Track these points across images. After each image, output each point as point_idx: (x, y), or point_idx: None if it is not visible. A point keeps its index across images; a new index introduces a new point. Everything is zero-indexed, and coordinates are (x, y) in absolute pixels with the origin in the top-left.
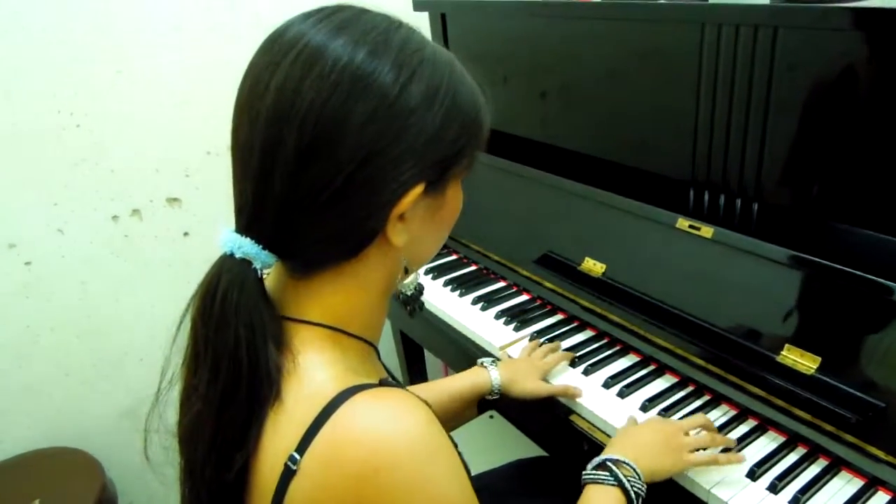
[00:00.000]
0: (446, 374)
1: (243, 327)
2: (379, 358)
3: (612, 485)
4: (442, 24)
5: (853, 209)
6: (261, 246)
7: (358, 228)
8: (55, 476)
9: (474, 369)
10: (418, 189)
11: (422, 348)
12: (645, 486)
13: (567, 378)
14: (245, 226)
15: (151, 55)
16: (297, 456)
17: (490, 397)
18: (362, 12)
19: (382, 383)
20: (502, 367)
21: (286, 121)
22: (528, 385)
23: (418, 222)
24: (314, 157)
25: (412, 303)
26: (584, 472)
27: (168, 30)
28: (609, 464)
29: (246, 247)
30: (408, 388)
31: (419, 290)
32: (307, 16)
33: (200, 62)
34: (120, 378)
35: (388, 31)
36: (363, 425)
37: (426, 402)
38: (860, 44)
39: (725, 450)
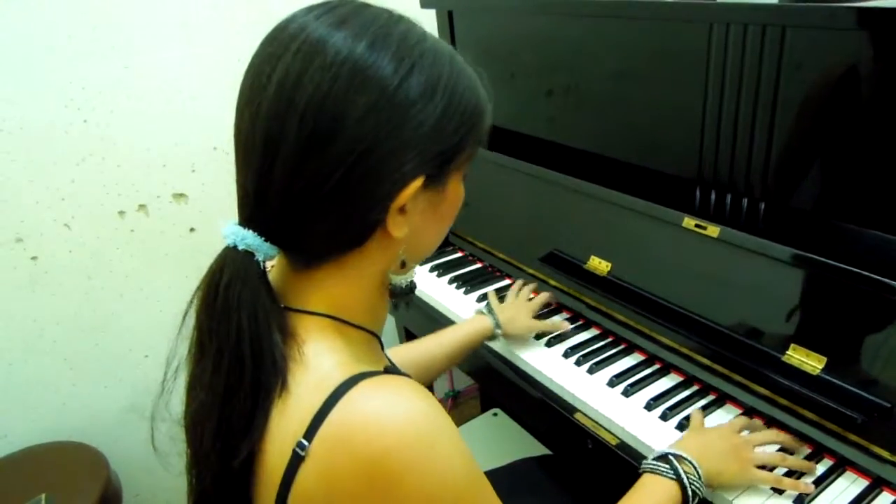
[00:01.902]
0: (450, 372)
1: (246, 318)
2: (382, 349)
3: (671, 478)
4: (449, 22)
5: (860, 209)
6: (263, 238)
7: (358, 220)
8: (60, 470)
9: (475, 317)
10: (418, 182)
11: None
12: (704, 487)
13: (572, 375)
14: (247, 218)
15: (158, 50)
16: (306, 442)
17: (490, 341)
18: (364, 6)
19: (387, 371)
20: (498, 311)
21: (287, 113)
22: (522, 323)
23: (419, 215)
24: (314, 150)
25: (400, 297)
26: (644, 462)
27: (175, 25)
28: (671, 457)
29: (248, 239)
30: (419, 338)
31: (411, 287)
32: (310, 9)
33: (207, 57)
34: (125, 373)
35: (389, 24)
36: (370, 409)
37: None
38: (868, 44)
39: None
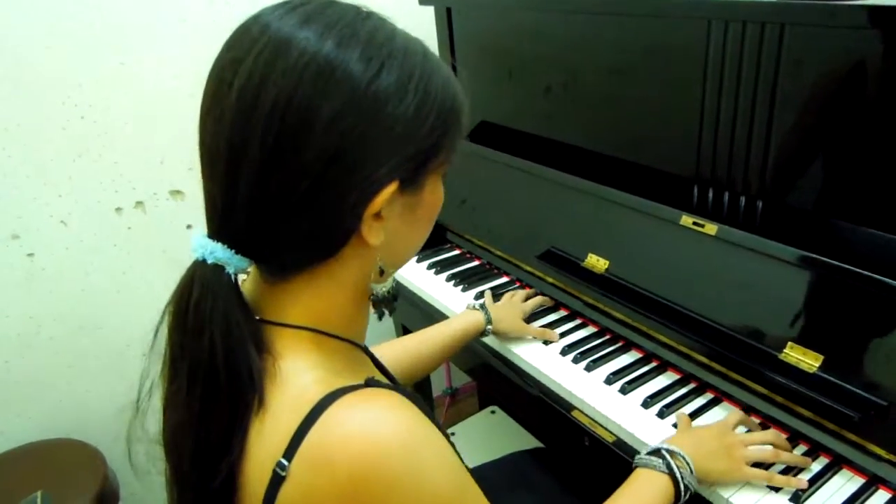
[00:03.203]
0: (448, 369)
1: (219, 334)
2: (370, 356)
3: (663, 472)
4: (447, 19)
5: (858, 207)
6: (233, 251)
7: (331, 229)
8: (57, 467)
9: (466, 312)
10: (392, 187)
11: None
12: (696, 483)
13: (569, 373)
14: (216, 230)
15: (156, 47)
16: (286, 462)
17: (482, 337)
18: (330, 3)
19: (368, 383)
20: (490, 309)
21: (250, 122)
22: (512, 324)
23: (396, 220)
24: (280, 159)
25: (382, 305)
26: (637, 456)
27: (173, 21)
28: (664, 452)
29: (217, 252)
30: (411, 333)
31: (393, 294)
32: (274, 8)
33: (205, 54)
34: (122, 370)
35: (356, 21)
36: (350, 427)
37: (414, 395)
38: (866, 41)
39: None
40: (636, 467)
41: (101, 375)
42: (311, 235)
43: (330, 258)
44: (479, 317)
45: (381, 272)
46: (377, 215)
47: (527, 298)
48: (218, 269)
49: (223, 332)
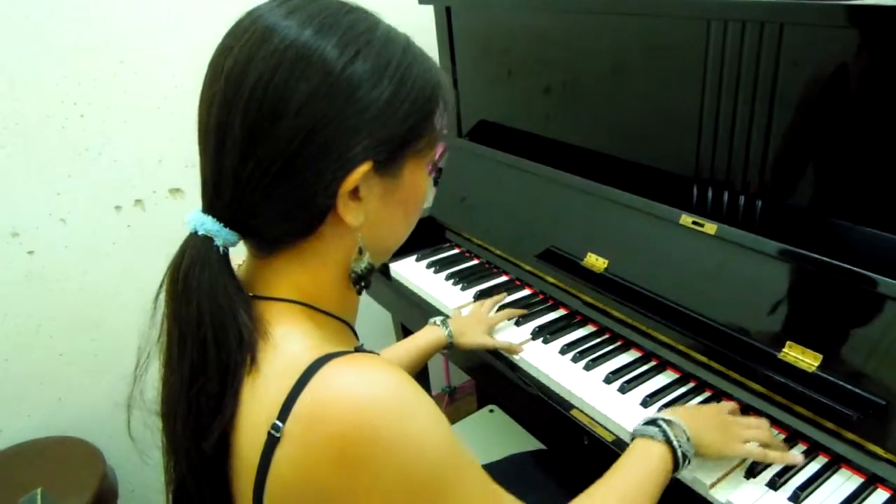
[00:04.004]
0: (447, 369)
1: (206, 300)
2: (357, 337)
3: (660, 441)
4: (447, 18)
5: (857, 207)
6: (222, 224)
7: (307, 205)
8: (56, 465)
9: (427, 328)
10: (365, 167)
11: None
12: (693, 451)
13: (568, 372)
14: (208, 205)
15: (154, 45)
16: (280, 424)
17: (444, 351)
18: None
19: (357, 350)
20: (453, 323)
21: (234, 102)
22: (475, 338)
23: (376, 202)
24: (259, 136)
25: (360, 282)
26: (633, 427)
27: (171, 19)
28: (660, 421)
29: (208, 224)
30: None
31: (368, 268)
32: (267, 2)
33: (203, 51)
34: (120, 368)
35: (338, 13)
36: (341, 386)
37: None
38: (865, 41)
39: None
40: (634, 437)
41: (100, 373)
42: (289, 210)
43: (310, 235)
44: (440, 333)
45: (360, 251)
46: (354, 195)
47: (495, 306)
48: (207, 240)
49: (210, 299)
